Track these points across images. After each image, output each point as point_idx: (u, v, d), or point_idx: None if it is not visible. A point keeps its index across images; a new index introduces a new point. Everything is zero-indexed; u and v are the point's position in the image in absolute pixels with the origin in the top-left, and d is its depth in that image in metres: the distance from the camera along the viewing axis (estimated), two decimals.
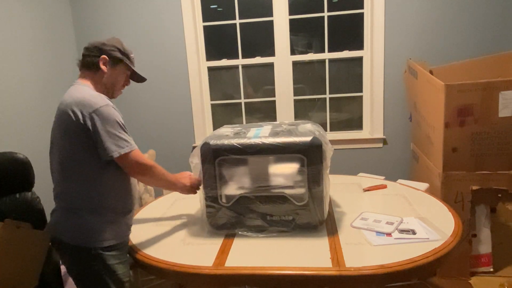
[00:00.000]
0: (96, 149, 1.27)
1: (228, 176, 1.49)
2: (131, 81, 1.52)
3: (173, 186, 1.50)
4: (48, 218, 2.00)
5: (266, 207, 1.45)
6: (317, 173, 1.39)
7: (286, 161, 1.46)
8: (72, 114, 1.24)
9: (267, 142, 1.41)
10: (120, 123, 1.30)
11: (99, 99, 1.28)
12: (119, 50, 1.42)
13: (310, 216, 1.43)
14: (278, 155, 1.42)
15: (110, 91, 1.44)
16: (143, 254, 1.39)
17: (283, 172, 1.48)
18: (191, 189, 1.54)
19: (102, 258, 1.31)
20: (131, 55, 1.47)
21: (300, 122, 1.71)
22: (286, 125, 1.63)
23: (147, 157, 1.51)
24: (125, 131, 1.31)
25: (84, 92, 1.30)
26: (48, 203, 2.07)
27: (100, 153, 1.27)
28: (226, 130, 1.64)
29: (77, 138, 1.26)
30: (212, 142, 1.44)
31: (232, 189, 1.50)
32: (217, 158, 1.43)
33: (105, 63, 1.39)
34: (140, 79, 1.52)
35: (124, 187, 1.38)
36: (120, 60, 1.42)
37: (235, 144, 1.42)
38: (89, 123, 1.24)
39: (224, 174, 1.48)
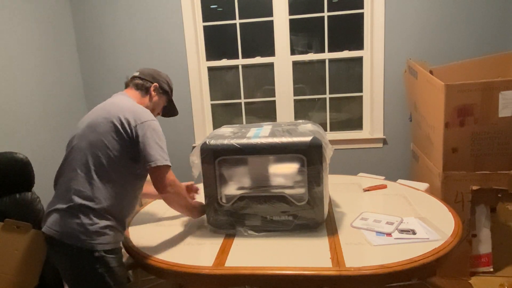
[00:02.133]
0: (135, 158, 1.33)
1: (228, 176, 1.49)
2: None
3: (191, 211, 1.54)
4: None
5: (266, 207, 1.45)
6: (317, 173, 1.39)
7: (286, 161, 1.46)
8: (124, 120, 1.32)
9: (267, 142, 1.41)
10: (164, 140, 1.39)
11: (150, 114, 1.39)
12: (168, 84, 1.60)
13: (310, 216, 1.43)
14: (278, 155, 1.42)
15: None
16: (143, 254, 1.39)
17: (283, 172, 1.48)
18: (203, 211, 1.59)
19: (105, 260, 1.30)
20: (172, 89, 1.65)
21: (300, 122, 1.71)
22: (286, 125, 1.63)
23: None
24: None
25: (135, 104, 1.42)
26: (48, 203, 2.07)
27: (144, 159, 1.32)
28: (226, 130, 1.64)
29: (121, 143, 1.32)
30: (212, 142, 1.44)
31: (232, 189, 1.50)
32: (217, 158, 1.43)
33: (155, 90, 1.54)
34: (171, 112, 1.68)
35: (135, 200, 1.45)
36: (166, 92, 1.59)
37: (235, 144, 1.42)
38: (139, 131, 1.32)
39: (224, 174, 1.48)
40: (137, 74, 1.55)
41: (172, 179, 1.36)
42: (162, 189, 1.35)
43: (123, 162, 1.33)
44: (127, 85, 1.55)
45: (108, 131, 1.32)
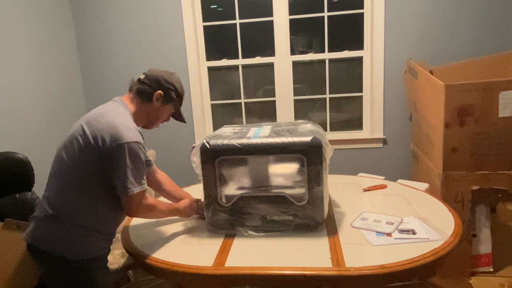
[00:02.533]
0: (109, 175, 1.26)
1: (228, 176, 1.49)
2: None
3: (176, 212, 1.53)
4: None
5: (265, 207, 1.45)
6: (317, 173, 1.39)
7: (285, 161, 1.46)
8: (100, 140, 1.24)
9: (267, 142, 1.40)
10: (143, 161, 1.31)
11: (133, 133, 1.27)
12: (176, 91, 1.45)
13: (310, 216, 1.43)
14: (278, 155, 1.42)
15: (150, 123, 1.47)
16: (143, 254, 1.39)
17: (283, 172, 1.48)
18: (191, 208, 1.58)
19: (83, 270, 1.28)
20: (183, 96, 1.51)
21: (300, 122, 1.71)
22: (286, 125, 1.63)
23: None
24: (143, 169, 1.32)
25: (121, 118, 1.29)
26: None
27: (116, 184, 1.26)
28: (225, 130, 1.64)
29: (96, 161, 1.25)
30: (212, 142, 1.44)
31: (232, 189, 1.50)
32: (217, 158, 1.43)
33: (159, 99, 1.41)
34: (179, 118, 1.54)
35: (118, 216, 1.39)
36: (172, 100, 1.45)
37: (235, 144, 1.42)
38: (114, 152, 1.23)
39: (224, 174, 1.48)
40: (142, 77, 1.43)
41: (145, 204, 1.32)
42: (134, 214, 1.32)
43: (99, 179, 1.28)
44: (130, 89, 1.45)
45: (86, 148, 1.25)
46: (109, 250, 1.42)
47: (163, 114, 1.47)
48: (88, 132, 1.26)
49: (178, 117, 1.54)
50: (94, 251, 1.32)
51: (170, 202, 1.63)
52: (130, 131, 1.27)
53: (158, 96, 1.40)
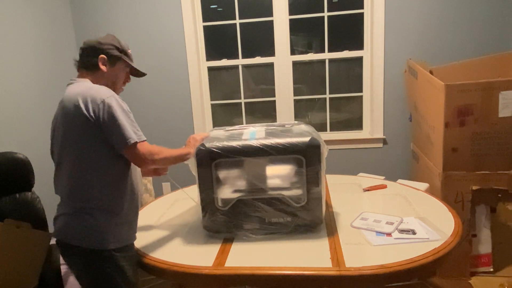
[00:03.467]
0: (106, 141, 1.24)
1: (225, 179, 1.47)
2: (132, 77, 1.50)
3: (184, 149, 1.45)
4: (48, 218, 2.00)
5: (264, 209, 1.43)
6: (315, 174, 1.39)
7: (282, 162, 1.44)
8: (82, 106, 1.21)
9: (266, 143, 1.39)
10: (130, 112, 1.28)
11: (105, 90, 1.26)
12: (117, 48, 1.39)
13: (309, 217, 1.43)
14: (275, 157, 1.40)
15: (111, 90, 1.39)
16: (143, 254, 1.39)
17: (280, 174, 1.47)
18: (194, 139, 1.51)
19: (114, 259, 1.28)
20: (129, 51, 1.45)
21: (292, 123, 1.69)
22: (280, 127, 1.61)
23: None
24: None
25: (88, 85, 1.28)
26: (48, 203, 2.08)
27: (116, 141, 1.24)
28: (218, 132, 1.61)
29: (88, 131, 1.23)
30: (208, 144, 1.41)
31: (229, 192, 1.47)
32: (214, 160, 1.40)
33: (104, 63, 1.37)
34: (139, 74, 1.50)
35: (131, 183, 1.36)
36: (118, 58, 1.39)
37: (233, 146, 1.39)
38: (101, 113, 1.21)
39: (220, 177, 1.45)
40: (80, 52, 1.38)
41: (150, 148, 1.28)
42: (143, 162, 1.28)
43: (99, 149, 1.25)
44: (78, 68, 1.39)
45: (74, 124, 1.23)
46: (135, 238, 1.40)
47: (118, 76, 1.41)
48: (63, 111, 1.25)
49: (136, 73, 1.48)
50: (123, 240, 1.32)
51: None
52: (100, 89, 1.26)
53: (102, 61, 1.36)
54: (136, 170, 1.41)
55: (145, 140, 1.29)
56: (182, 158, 1.42)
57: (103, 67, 1.36)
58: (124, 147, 1.23)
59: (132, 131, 1.24)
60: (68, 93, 1.27)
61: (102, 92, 1.24)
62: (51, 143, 1.36)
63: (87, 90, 1.24)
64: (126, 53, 1.43)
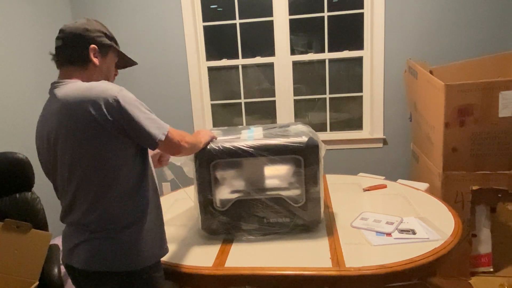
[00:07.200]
0: (121, 143, 1.05)
1: (223, 180, 1.46)
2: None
3: (199, 134, 1.38)
4: (48, 218, 2.00)
5: (262, 210, 1.43)
6: (314, 174, 1.39)
7: (280, 162, 1.43)
8: (94, 112, 1.00)
9: (264, 143, 1.39)
10: (142, 103, 1.09)
11: (109, 85, 1.05)
12: (106, 35, 1.16)
13: (307, 217, 1.43)
14: (273, 157, 1.39)
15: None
16: None
17: (278, 174, 1.46)
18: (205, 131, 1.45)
19: (153, 281, 1.14)
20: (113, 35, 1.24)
21: (289, 123, 1.68)
22: (277, 127, 1.61)
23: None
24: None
25: (84, 85, 1.04)
26: (48, 203, 2.08)
27: (144, 142, 1.07)
28: (216, 133, 1.60)
29: (105, 139, 1.03)
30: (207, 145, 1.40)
31: (227, 193, 1.47)
32: (212, 161, 1.39)
33: (96, 54, 1.13)
34: (130, 63, 1.28)
35: (152, 182, 1.18)
36: (109, 46, 1.17)
37: (232, 146, 1.39)
38: (115, 114, 1.01)
39: (219, 178, 1.44)
40: (60, 43, 1.11)
41: (179, 134, 1.15)
42: (179, 148, 1.15)
43: (115, 154, 1.06)
44: (59, 65, 1.13)
45: (83, 133, 1.02)
46: (167, 251, 1.25)
47: (109, 68, 1.19)
48: (65, 117, 1.03)
49: (127, 62, 1.27)
50: (157, 254, 1.17)
51: None
52: (101, 85, 1.04)
53: (93, 52, 1.12)
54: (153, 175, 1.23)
55: (169, 127, 1.13)
56: (198, 145, 1.32)
57: (95, 60, 1.12)
58: (156, 146, 1.08)
59: (155, 126, 1.07)
60: (64, 100, 1.03)
61: (108, 88, 1.04)
62: (51, 173, 1.14)
63: (88, 91, 1.02)
64: (115, 41, 1.22)
